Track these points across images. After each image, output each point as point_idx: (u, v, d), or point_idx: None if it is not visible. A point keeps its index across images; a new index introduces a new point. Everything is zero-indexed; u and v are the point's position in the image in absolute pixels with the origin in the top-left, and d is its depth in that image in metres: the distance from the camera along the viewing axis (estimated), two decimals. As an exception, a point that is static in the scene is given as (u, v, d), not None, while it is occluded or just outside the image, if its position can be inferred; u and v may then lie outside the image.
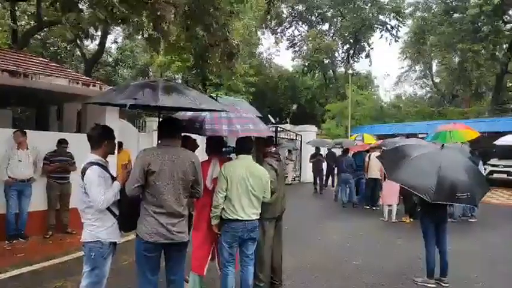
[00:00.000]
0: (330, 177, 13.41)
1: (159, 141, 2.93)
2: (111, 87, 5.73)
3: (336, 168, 11.62)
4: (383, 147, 8.54)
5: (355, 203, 10.06)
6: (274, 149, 3.96)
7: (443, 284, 4.29)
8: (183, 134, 3.68)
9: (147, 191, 2.73)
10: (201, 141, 3.81)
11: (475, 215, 8.36)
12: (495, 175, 13.98)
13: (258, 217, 3.40)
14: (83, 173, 2.75)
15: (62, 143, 6.02)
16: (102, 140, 2.89)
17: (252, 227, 3.33)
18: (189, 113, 3.64)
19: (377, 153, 8.65)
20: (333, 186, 12.82)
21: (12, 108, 10.29)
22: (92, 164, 2.77)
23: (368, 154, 9.60)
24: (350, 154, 11.03)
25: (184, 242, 2.87)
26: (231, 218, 3.26)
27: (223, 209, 3.28)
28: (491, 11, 20.99)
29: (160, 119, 3.08)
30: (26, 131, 5.73)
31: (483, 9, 21.04)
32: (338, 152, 12.46)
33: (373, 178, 9.33)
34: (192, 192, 2.94)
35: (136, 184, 2.67)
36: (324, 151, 13.58)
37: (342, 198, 10.12)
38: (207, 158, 3.63)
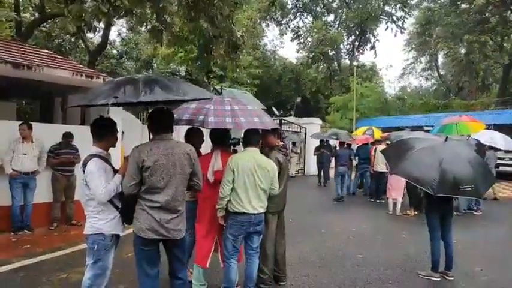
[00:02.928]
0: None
1: (152, 135, 2.85)
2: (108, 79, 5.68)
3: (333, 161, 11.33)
4: (388, 141, 8.52)
5: (352, 193, 10.26)
6: (282, 143, 3.93)
7: (448, 278, 4.27)
8: (189, 127, 3.67)
9: (142, 187, 2.69)
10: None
11: (480, 208, 8.31)
12: (501, 168, 13.85)
13: (265, 210, 3.39)
14: (84, 165, 2.75)
15: (67, 136, 6.04)
16: (104, 132, 2.88)
17: (258, 221, 3.32)
18: (193, 105, 3.59)
19: (383, 146, 8.60)
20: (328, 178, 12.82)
21: (17, 100, 10.30)
22: (93, 156, 2.77)
23: (374, 147, 9.54)
24: (354, 147, 10.98)
25: (180, 239, 2.83)
26: (237, 211, 3.23)
27: (229, 201, 3.25)
28: (499, 1, 20.60)
29: (149, 111, 2.96)
30: (32, 123, 5.74)
31: (491, -1, 20.69)
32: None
33: (378, 171, 9.28)
34: (191, 185, 2.89)
35: (133, 182, 2.64)
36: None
37: (336, 190, 9.83)
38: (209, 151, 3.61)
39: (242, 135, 3.53)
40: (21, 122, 5.67)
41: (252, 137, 3.43)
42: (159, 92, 2.54)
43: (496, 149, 9.13)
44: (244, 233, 3.30)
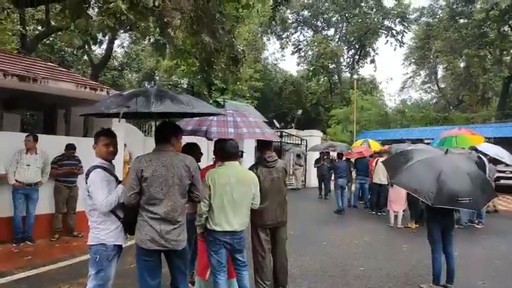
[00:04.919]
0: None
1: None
2: (115, 92, 5.78)
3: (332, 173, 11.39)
4: (389, 154, 8.55)
5: (354, 205, 10.49)
6: (269, 155, 3.77)
7: (449, 291, 4.25)
8: (188, 142, 3.71)
9: (142, 197, 2.72)
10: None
11: (482, 221, 8.28)
12: (502, 181, 13.84)
13: (244, 227, 3.26)
14: (87, 175, 2.79)
15: (70, 148, 6.09)
16: (95, 141, 2.91)
17: (237, 238, 3.20)
18: (197, 117, 3.65)
19: (384, 158, 8.63)
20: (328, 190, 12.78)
21: (21, 111, 10.40)
22: (95, 167, 2.81)
23: (375, 159, 9.57)
24: (353, 159, 11.02)
25: (181, 249, 2.83)
26: (214, 229, 3.13)
27: (207, 218, 3.16)
28: (497, 16, 20.90)
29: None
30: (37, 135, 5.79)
31: (490, 14, 20.96)
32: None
33: (378, 183, 9.29)
34: (191, 197, 2.90)
35: (132, 192, 2.67)
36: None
37: (337, 202, 9.78)
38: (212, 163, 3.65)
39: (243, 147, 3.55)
40: (27, 134, 5.73)
41: (230, 150, 3.28)
42: (169, 104, 2.63)
43: (495, 163, 9.15)
44: (224, 247, 3.19)
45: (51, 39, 18.98)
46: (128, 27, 4.88)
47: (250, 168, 3.71)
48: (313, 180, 15.20)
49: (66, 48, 20.16)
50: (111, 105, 2.64)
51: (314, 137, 16.88)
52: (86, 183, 2.79)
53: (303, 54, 35.24)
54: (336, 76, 34.69)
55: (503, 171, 14.05)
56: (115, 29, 4.37)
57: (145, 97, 2.62)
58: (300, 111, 27.01)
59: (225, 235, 3.14)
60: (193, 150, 3.65)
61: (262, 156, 3.79)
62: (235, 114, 3.66)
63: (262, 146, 3.80)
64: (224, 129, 3.43)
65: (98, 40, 4.86)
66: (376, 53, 34.34)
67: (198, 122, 3.59)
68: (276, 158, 3.85)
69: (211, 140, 3.66)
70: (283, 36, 35.06)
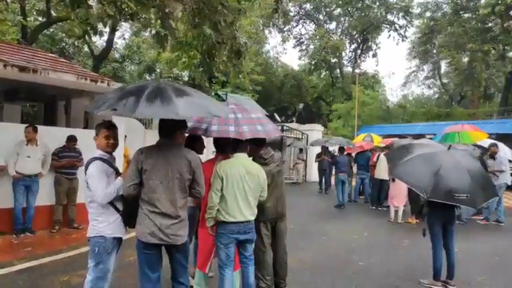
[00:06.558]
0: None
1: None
2: (115, 84, 5.71)
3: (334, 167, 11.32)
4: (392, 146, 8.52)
5: (354, 200, 10.62)
6: (265, 152, 3.71)
7: (449, 286, 4.24)
8: (191, 135, 3.66)
9: (143, 190, 2.71)
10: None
11: (486, 217, 8.25)
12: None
13: (254, 217, 3.29)
14: (87, 167, 2.79)
15: (71, 140, 6.06)
16: (96, 132, 2.90)
17: (248, 229, 3.22)
18: None
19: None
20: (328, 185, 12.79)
21: (21, 103, 10.37)
22: (95, 159, 2.81)
23: (377, 154, 9.54)
24: (354, 154, 11.00)
25: (181, 244, 2.81)
26: (226, 220, 3.13)
27: (218, 210, 3.14)
28: (502, 11, 20.71)
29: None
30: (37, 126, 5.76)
31: (495, 9, 20.76)
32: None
33: (380, 179, 9.27)
34: (192, 192, 2.87)
35: (131, 182, 2.66)
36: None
37: (337, 197, 9.81)
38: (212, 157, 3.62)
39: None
40: (26, 125, 5.69)
41: (241, 143, 3.32)
42: (157, 108, 2.36)
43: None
44: (235, 241, 3.19)
45: (51, 30, 18.90)
46: (128, 17, 4.80)
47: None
48: (313, 175, 15.21)
49: (66, 40, 20.08)
50: (101, 106, 2.47)
51: (315, 131, 16.83)
52: (86, 174, 2.79)
53: (304, 47, 34.98)
54: (338, 70, 34.51)
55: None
56: (115, 18, 4.30)
57: (136, 97, 2.37)
58: (301, 105, 26.96)
59: (238, 226, 3.15)
60: (195, 143, 3.64)
61: (258, 153, 3.70)
62: (236, 110, 3.55)
63: (257, 144, 3.63)
64: (225, 127, 3.34)
65: (99, 30, 4.79)
66: (379, 47, 34.14)
67: (199, 119, 3.52)
68: (272, 152, 3.80)
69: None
70: (285, 29, 34.80)
